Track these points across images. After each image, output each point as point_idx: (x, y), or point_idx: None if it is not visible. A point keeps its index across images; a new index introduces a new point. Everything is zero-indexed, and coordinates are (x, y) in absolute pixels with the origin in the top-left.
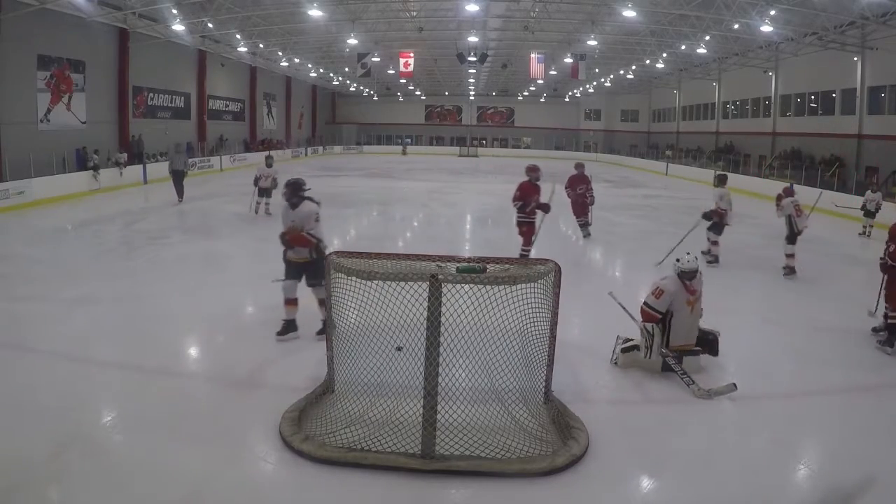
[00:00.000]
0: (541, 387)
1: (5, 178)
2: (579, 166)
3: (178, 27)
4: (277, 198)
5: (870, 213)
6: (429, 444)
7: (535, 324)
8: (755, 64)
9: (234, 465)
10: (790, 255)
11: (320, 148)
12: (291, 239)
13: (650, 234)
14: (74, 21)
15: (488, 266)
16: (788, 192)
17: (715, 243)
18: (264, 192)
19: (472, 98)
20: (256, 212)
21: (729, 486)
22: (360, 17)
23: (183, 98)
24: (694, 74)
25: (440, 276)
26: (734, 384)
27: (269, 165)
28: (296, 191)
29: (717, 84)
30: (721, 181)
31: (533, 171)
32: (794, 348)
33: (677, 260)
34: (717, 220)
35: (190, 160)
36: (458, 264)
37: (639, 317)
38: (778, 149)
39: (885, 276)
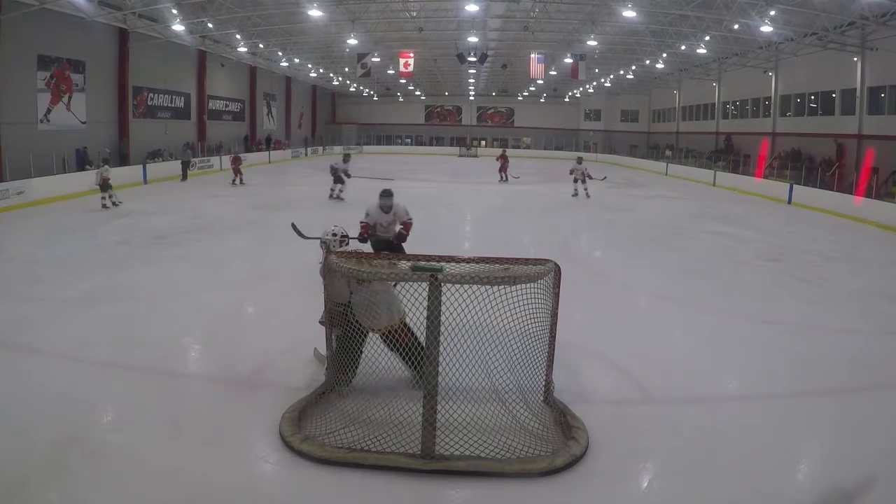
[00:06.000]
0: (541, 386)
1: (5, 178)
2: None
3: (178, 27)
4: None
5: None
6: (429, 444)
7: (535, 324)
8: (755, 64)
9: (234, 465)
10: None
11: (320, 148)
12: None
13: (648, 233)
14: (74, 21)
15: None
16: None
17: None
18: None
19: (472, 98)
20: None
21: (729, 486)
22: (360, 18)
23: (183, 98)
24: (694, 74)
25: (440, 277)
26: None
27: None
28: None
29: (717, 84)
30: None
31: None
32: (793, 349)
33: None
34: None
35: (190, 160)
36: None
37: None
38: (778, 149)
39: None
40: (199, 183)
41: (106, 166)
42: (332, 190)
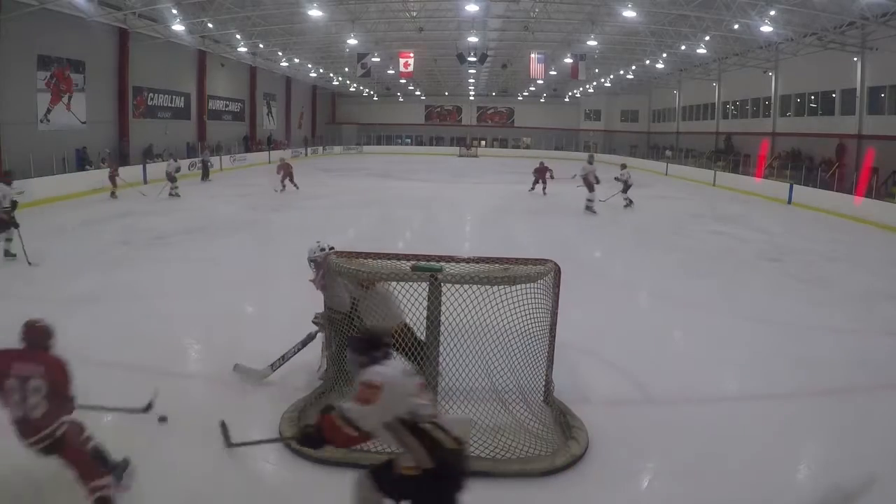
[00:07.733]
0: (541, 386)
1: None
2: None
3: (178, 27)
4: None
5: None
6: None
7: (535, 324)
8: (755, 64)
9: (234, 465)
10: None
11: (320, 148)
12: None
13: (648, 233)
14: (74, 21)
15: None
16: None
17: None
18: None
19: (472, 98)
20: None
21: (729, 486)
22: (359, 18)
23: (183, 98)
24: (694, 74)
25: (440, 277)
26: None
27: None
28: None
29: (717, 84)
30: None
31: None
32: (793, 349)
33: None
34: None
35: (189, 160)
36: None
37: None
38: (778, 149)
39: None
40: (199, 183)
41: (171, 160)
42: (590, 202)
